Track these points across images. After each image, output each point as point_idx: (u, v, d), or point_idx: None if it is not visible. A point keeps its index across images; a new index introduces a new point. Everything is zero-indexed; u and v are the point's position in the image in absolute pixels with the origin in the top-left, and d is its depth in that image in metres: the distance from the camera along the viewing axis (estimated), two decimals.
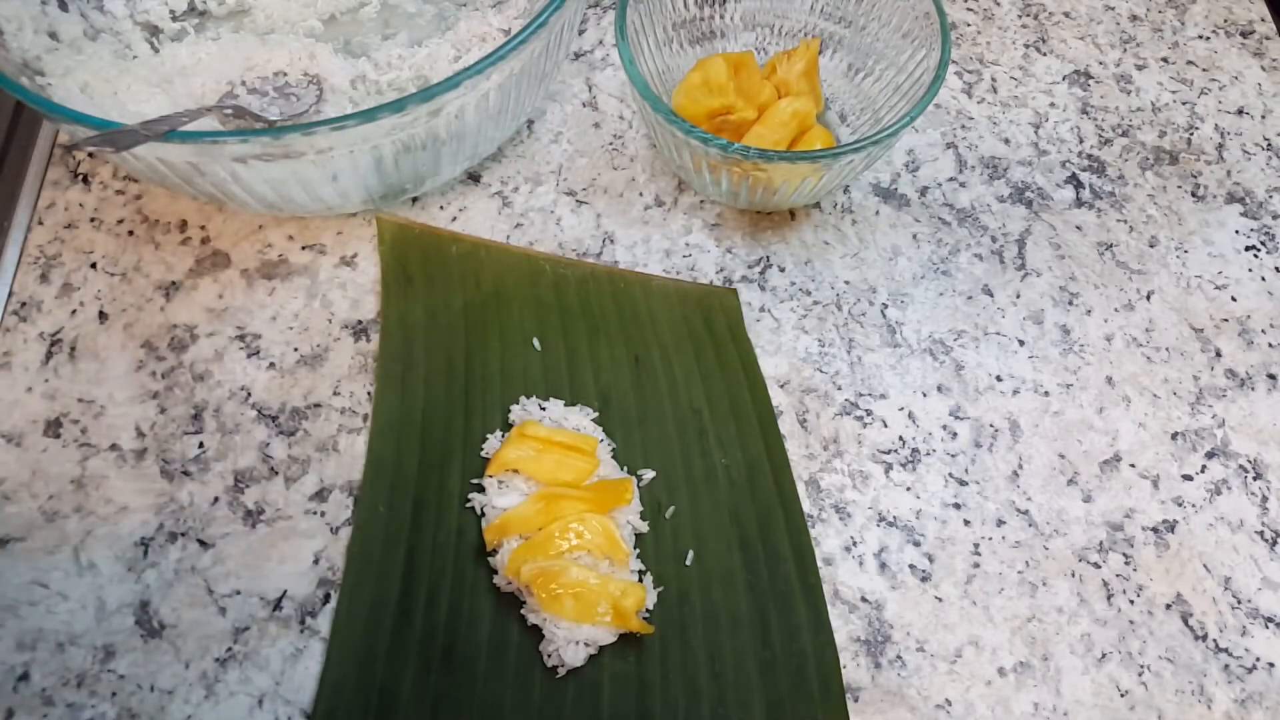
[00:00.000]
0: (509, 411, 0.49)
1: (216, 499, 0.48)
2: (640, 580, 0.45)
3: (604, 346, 0.52)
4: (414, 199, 0.57)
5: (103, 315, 0.53)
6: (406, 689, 0.42)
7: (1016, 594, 0.46)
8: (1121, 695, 0.44)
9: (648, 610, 0.44)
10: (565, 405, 0.49)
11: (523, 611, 0.44)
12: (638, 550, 0.46)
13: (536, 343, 0.52)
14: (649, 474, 0.48)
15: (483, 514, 0.46)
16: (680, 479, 0.48)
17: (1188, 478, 0.50)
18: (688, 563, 0.46)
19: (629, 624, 0.42)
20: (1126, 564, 0.47)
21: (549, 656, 0.43)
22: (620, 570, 0.44)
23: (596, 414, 0.49)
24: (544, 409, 0.49)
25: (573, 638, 0.42)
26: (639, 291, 0.54)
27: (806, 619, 0.45)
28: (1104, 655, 0.45)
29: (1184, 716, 0.44)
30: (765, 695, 0.43)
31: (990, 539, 0.48)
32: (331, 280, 0.54)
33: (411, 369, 0.50)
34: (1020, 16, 0.67)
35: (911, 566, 0.47)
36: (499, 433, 0.48)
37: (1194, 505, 0.49)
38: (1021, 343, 0.53)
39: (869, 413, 0.51)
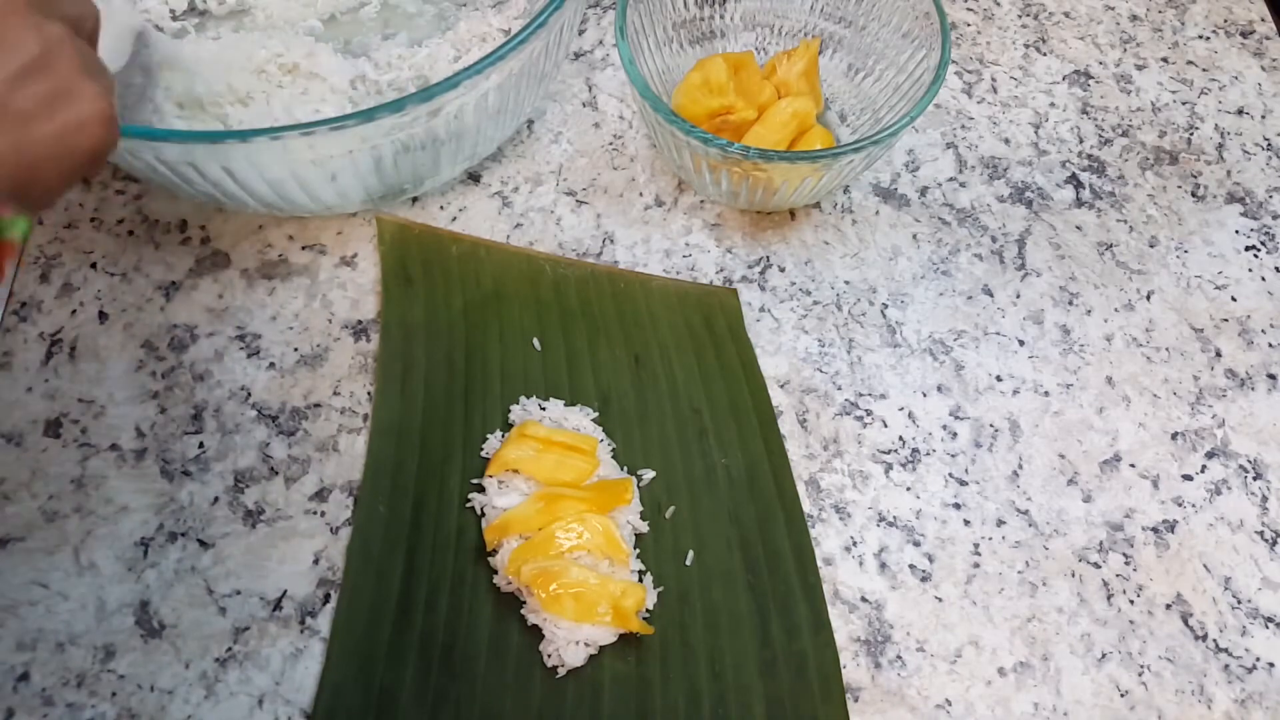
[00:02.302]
0: (509, 411, 0.49)
1: (216, 499, 0.48)
2: (640, 580, 0.45)
3: (604, 346, 0.52)
4: (414, 199, 0.57)
5: (103, 315, 0.53)
6: (406, 689, 0.42)
7: (1016, 594, 0.46)
8: (1121, 695, 0.44)
9: (648, 610, 0.44)
10: (565, 405, 0.49)
11: (523, 611, 0.44)
12: (638, 550, 0.46)
13: (536, 343, 0.52)
14: (649, 474, 0.48)
15: (483, 514, 0.46)
16: (680, 479, 0.48)
17: (1188, 478, 0.50)
18: (688, 563, 0.46)
19: (629, 624, 0.42)
20: (1126, 564, 0.47)
21: (549, 656, 0.43)
22: (620, 570, 0.44)
23: (596, 414, 0.49)
24: (544, 409, 0.49)
25: (573, 638, 0.42)
26: (639, 291, 0.54)
27: (806, 619, 0.45)
28: (1104, 655, 0.45)
29: (1184, 716, 0.44)
30: (765, 695, 0.43)
31: (990, 539, 0.48)
32: (331, 280, 0.54)
33: (411, 369, 0.50)
34: (1020, 16, 0.67)
35: (911, 566, 0.47)
36: (499, 433, 0.48)
37: (1194, 505, 0.49)
38: (1021, 343, 0.53)
39: (869, 413, 0.51)
